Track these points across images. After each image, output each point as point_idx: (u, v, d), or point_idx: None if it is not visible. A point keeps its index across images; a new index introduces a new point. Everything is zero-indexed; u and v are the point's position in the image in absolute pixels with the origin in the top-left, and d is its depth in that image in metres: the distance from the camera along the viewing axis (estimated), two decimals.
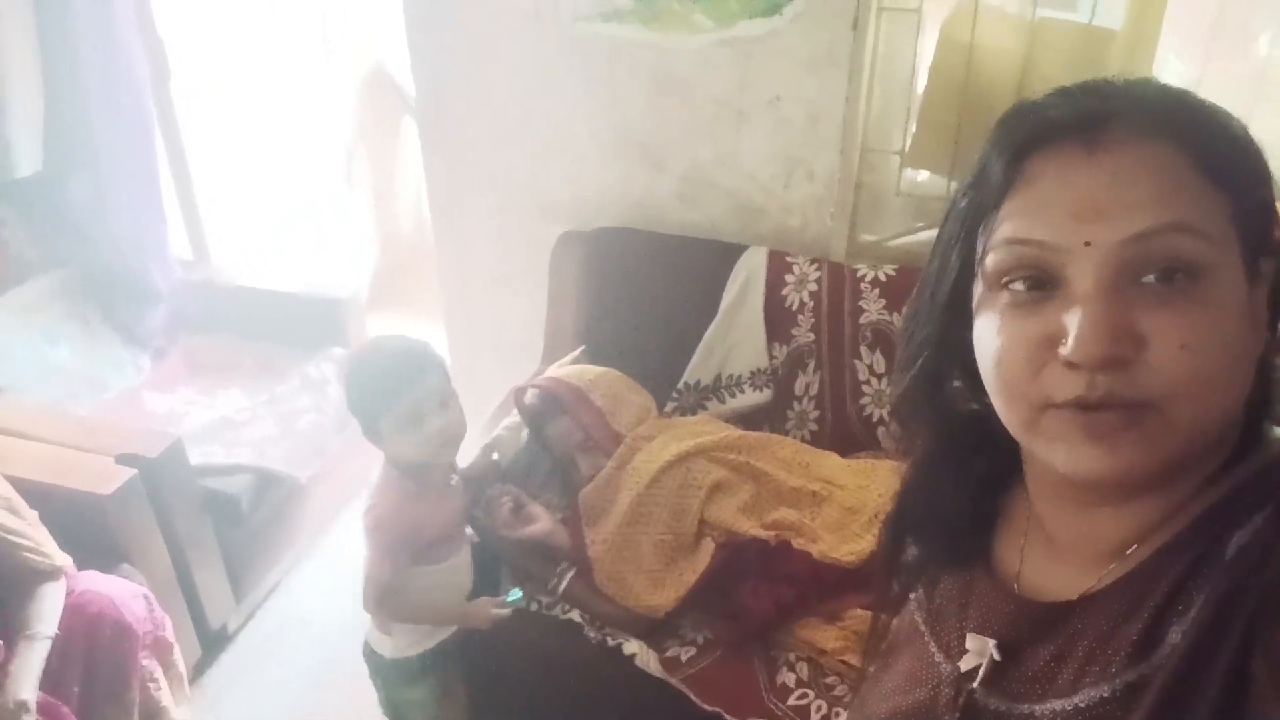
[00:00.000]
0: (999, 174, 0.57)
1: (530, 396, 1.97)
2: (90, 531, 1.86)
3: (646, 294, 2.15)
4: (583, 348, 2.16)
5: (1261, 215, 0.55)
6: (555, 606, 1.77)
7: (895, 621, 0.80)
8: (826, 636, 1.65)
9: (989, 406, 0.61)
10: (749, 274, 2.08)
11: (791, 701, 1.59)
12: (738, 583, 1.74)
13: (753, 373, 2.10)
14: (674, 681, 1.64)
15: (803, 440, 2.04)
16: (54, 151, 2.48)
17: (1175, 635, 0.54)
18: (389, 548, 1.54)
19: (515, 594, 1.68)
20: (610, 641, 1.70)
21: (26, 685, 1.58)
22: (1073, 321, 0.52)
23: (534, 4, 2.14)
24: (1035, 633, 0.63)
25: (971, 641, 0.66)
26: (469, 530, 1.74)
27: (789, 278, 2.06)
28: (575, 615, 1.75)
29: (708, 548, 1.78)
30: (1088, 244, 0.52)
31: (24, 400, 2.21)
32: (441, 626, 1.68)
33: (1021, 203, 0.56)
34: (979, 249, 0.58)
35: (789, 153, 2.11)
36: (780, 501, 1.84)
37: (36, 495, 1.78)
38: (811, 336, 2.05)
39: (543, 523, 1.80)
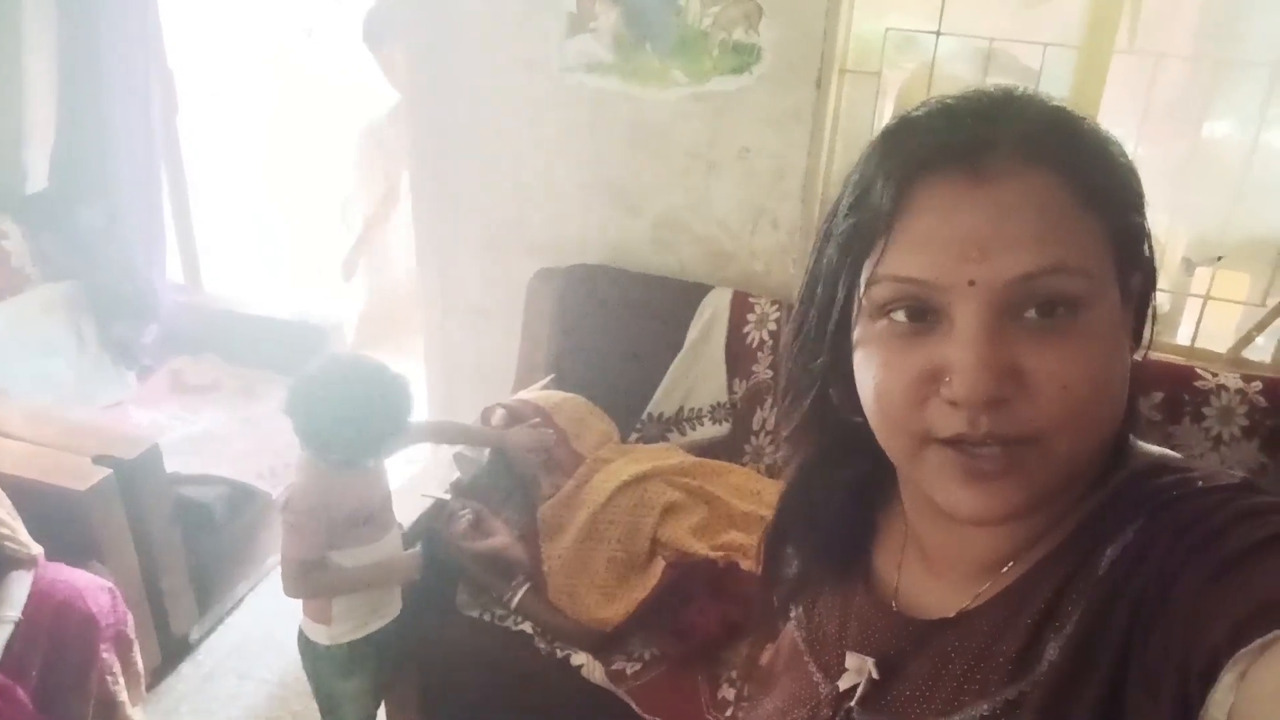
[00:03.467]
0: (882, 202, 0.55)
1: (497, 417, 2.05)
2: (64, 528, 1.91)
3: (615, 329, 2.25)
4: (552, 376, 2.25)
5: (1133, 234, 0.56)
6: (508, 618, 1.82)
7: (775, 645, 0.79)
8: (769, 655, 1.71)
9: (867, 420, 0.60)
10: (713, 312, 2.18)
11: (731, 713, 1.64)
12: (687, 602, 1.80)
13: (713, 406, 2.19)
14: (618, 691, 1.69)
15: (758, 474, 2.12)
16: (64, 172, 2.61)
17: (1053, 652, 0.54)
18: (298, 525, 1.60)
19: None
20: (559, 653, 1.76)
21: None
22: (955, 360, 0.52)
23: (529, 55, 2.28)
24: (913, 650, 0.62)
25: (850, 660, 0.65)
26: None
27: (750, 317, 2.16)
28: (527, 627, 1.80)
29: (659, 566, 1.85)
30: (972, 283, 0.52)
31: (13, 403, 2.27)
32: (374, 593, 1.71)
33: (906, 236, 0.54)
34: (863, 275, 0.57)
35: (756, 202, 2.23)
36: (731, 525, 1.91)
37: (16, 490, 1.84)
38: (770, 373, 2.15)
39: (500, 537, 1.88)
